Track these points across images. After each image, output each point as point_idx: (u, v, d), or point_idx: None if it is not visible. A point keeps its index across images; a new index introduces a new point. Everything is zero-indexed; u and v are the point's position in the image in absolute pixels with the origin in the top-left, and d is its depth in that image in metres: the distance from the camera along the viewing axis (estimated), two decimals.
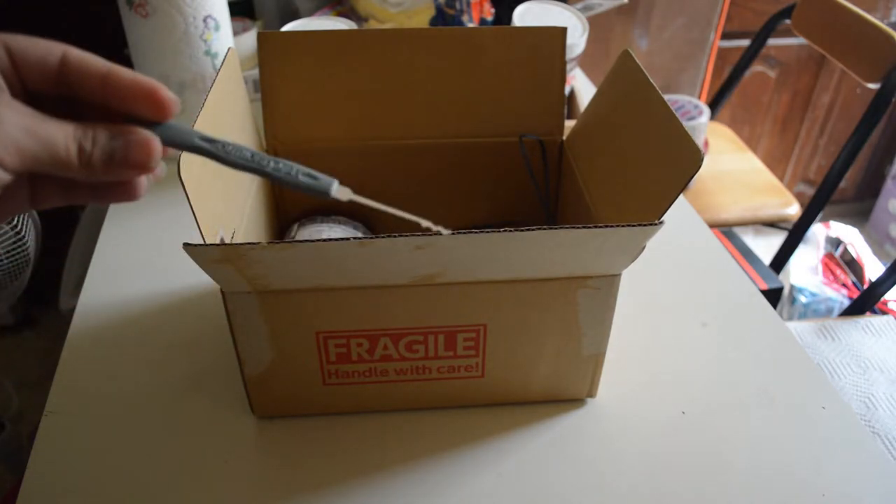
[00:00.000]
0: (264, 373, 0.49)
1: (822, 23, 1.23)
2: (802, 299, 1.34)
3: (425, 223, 0.36)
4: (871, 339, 0.98)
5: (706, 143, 1.56)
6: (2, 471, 1.16)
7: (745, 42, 1.70)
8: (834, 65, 1.81)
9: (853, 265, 1.38)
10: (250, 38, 0.99)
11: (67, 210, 1.37)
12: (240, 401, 0.54)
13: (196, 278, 0.66)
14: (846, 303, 1.32)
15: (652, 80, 0.50)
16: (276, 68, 0.59)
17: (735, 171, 1.50)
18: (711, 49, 1.69)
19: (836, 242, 1.44)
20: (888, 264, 1.04)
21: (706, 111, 1.47)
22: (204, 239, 0.40)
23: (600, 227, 0.41)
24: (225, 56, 0.53)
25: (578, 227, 0.41)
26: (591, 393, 0.54)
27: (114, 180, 0.33)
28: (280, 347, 0.48)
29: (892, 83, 1.06)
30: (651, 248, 0.72)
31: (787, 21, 1.31)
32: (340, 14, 1.07)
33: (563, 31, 0.60)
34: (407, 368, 0.50)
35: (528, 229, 0.40)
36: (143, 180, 0.34)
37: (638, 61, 0.53)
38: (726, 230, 1.20)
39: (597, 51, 1.61)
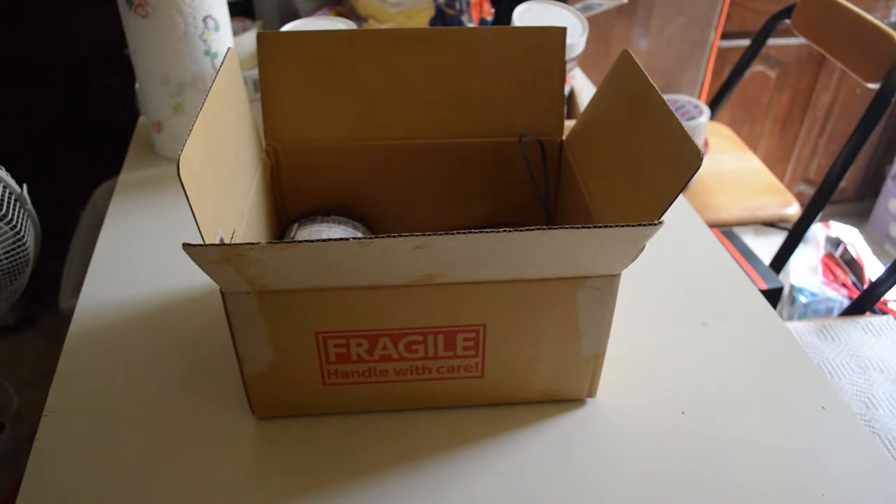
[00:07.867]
0: (264, 373, 0.49)
1: (822, 23, 1.23)
2: (802, 299, 1.34)
3: None
4: (871, 339, 0.98)
5: (706, 143, 1.56)
6: (2, 471, 1.16)
7: (745, 42, 1.70)
8: (834, 65, 1.81)
9: (853, 265, 1.38)
10: (250, 38, 0.99)
11: (67, 210, 1.37)
12: (240, 401, 0.54)
13: (196, 278, 0.66)
14: (846, 303, 1.32)
15: (652, 80, 0.50)
16: (275, 68, 0.59)
17: (735, 171, 1.50)
18: (711, 49, 1.69)
19: (836, 242, 1.44)
20: (888, 264, 1.04)
21: (706, 111, 1.47)
22: (203, 239, 0.40)
23: (600, 227, 0.41)
24: (225, 56, 0.53)
25: (578, 227, 0.41)
26: (591, 393, 0.54)
27: None
28: (280, 347, 0.48)
29: (892, 83, 1.06)
30: (651, 248, 0.72)
31: (787, 21, 1.31)
32: (340, 14, 1.07)
33: (563, 31, 0.60)
34: (406, 368, 0.50)
35: (528, 229, 0.40)
36: None
37: (638, 61, 0.53)
38: (726, 230, 1.19)
39: (597, 51, 1.61)
